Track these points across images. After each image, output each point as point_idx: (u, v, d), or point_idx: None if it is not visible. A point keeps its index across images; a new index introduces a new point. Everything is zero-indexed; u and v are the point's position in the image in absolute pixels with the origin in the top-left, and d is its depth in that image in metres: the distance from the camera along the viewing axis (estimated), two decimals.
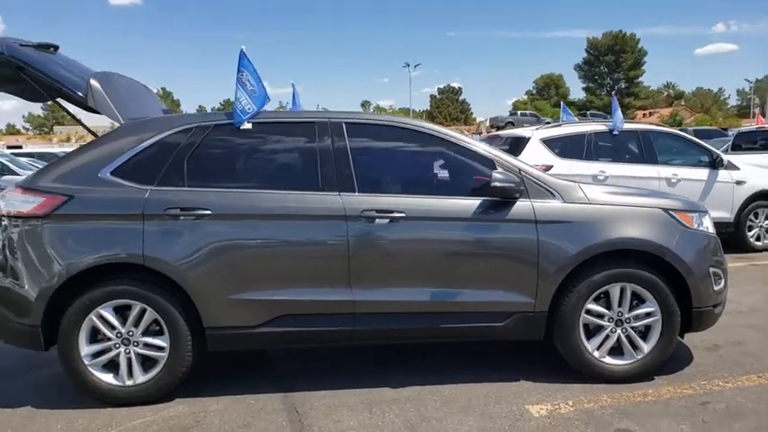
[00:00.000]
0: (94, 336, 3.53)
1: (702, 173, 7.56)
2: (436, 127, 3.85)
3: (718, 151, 7.91)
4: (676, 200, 4.00)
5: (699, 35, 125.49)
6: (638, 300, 3.68)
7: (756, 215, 7.81)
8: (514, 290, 3.59)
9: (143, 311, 3.49)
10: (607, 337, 3.68)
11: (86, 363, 3.49)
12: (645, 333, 3.71)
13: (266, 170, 3.74)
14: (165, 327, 3.50)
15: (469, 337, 3.74)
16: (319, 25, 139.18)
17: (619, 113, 7.50)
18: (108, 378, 3.53)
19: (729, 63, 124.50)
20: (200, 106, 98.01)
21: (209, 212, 3.48)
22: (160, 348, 3.52)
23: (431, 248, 3.59)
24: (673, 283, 3.66)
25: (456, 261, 3.60)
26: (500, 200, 3.59)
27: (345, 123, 3.72)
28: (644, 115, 74.08)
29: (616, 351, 3.71)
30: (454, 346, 4.33)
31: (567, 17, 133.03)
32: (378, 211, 3.53)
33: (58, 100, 4.08)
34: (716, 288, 3.76)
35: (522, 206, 3.60)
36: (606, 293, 3.65)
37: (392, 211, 3.53)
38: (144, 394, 3.53)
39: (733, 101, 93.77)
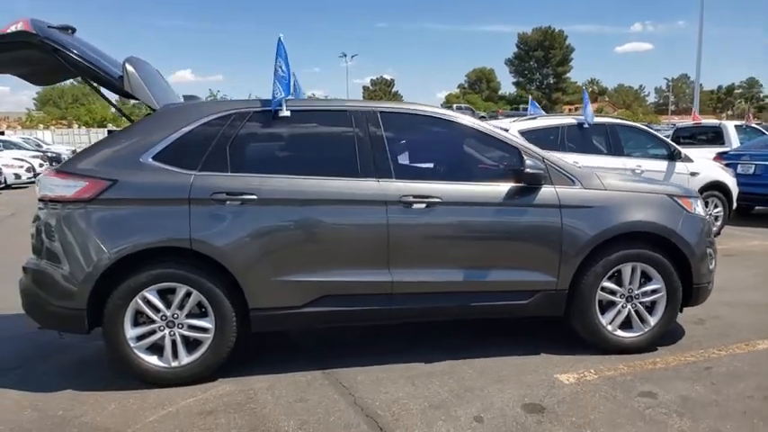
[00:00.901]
0: (138, 319, 3.57)
1: (662, 164, 8.16)
2: (464, 117, 4.08)
3: (675, 145, 8.54)
4: (677, 187, 4.41)
5: (618, 34, 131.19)
6: (645, 278, 4.05)
7: (707, 204, 8.49)
8: (539, 270, 3.88)
9: (188, 294, 3.55)
10: (619, 312, 4.03)
11: (132, 345, 3.53)
12: (651, 308, 4.08)
13: (305, 157, 3.86)
14: (210, 309, 3.58)
15: (497, 314, 4.00)
16: (247, 16, 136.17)
17: (589, 108, 7.97)
18: (153, 360, 3.58)
19: (645, 61, 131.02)
20: None
21: (254, 197, 3.57)
22: (204, 330, 3.59)
23: (464, 232, 3.83)
24: (675, 262, 4.05)
25: (486, 243, 3.86)
26: (526, 186, 3.86)
27: (380, 112, 3.89)
28: (570, 110, 77.02)
29: (625, 325, 4.07)
30: (473, 323, 4.58)
31: (497, 12, 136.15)
32: (415, 196, 3.73)
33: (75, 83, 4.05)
34: (710, 267, 4.19)
35: (546, 192, 3.89)
36: (619, 272, 4.00)
37: (429, 197, 3.74)
38: (188, 375, 3.60)
39: (651, 98, 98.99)
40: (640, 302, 4.05)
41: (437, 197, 3.75)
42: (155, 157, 3.60)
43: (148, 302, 3.53)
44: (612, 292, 4.01)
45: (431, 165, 4.07)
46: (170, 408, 3.32)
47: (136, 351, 3.55)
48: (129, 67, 3.67)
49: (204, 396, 3.47)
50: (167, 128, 3.67)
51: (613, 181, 4.11)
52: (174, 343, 3.58)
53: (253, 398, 3.45)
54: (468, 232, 3.83)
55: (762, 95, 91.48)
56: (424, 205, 3.74)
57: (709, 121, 16.68)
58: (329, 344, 4.34)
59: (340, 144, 3.87)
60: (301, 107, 3.86)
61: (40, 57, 3.70)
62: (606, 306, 4.04)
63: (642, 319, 4.07)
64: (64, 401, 3.43)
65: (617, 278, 4.02)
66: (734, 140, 12.11)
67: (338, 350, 4.18)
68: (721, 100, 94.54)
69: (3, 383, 3.70)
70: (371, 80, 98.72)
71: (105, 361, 4.05)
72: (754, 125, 13.79)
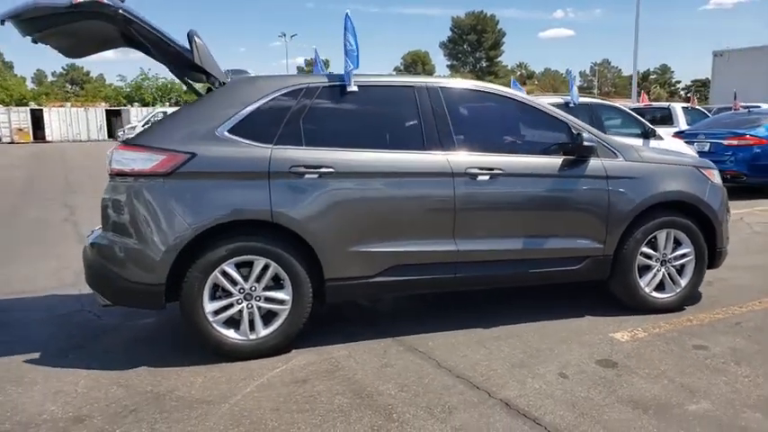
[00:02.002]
0: (214, 293, 3.56)
1: (638, 142, 8.66)
2: (518, 93, 4.26)
3: (648, 124, 9.08)
4: (700, 159, 4.78)
5: (543, 20, 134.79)
6: (676, 243, 4.39)
7: None
8: (589, 237, 4.14)
9: (266, 267, 3.58)
10: (654, 275, 4.36)
11: (210, 319, 3.53)
12: (680, 271, 4.43)
13: (375, 131, 3.94)
14: (287, 280, 3.62)
15: (551, 279, 4.24)
16: None
17: (575, 89, 8.35)
18: (230, 333, 3.59)
19: (568, 47, 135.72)
20: (38, 69, 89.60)
21: (332, 170, 3.63)
22: (281, 302, 3.63)
23: (523, 202, 4.03)
24: (701, 227, 4.41)
25: (543, 213, 4.08)
26: (578, 158, 4.10)
27: (440, 88, 4.01)
28: None
29: (659, 287, 4.41)
30: (515, 291, 4.80)
31: None
32: (480, 168, 3.89)
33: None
34: (727, 233, 4.59)
35: (594, 164, 4.14)
36: (655, 238, 4.32)
37: (492, 169, 3.91)
38: (266, 347, 3.63)
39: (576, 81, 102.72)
40: (672, 266, 4.39)
41: (499, 168, 3.92)
42: (230, 131, 3.58)
43: (227, 276, 3.53)
44: (649, 257, 4.33)
45: (490, 138, 4.22)
46: (260, 379, 3.36)
47: (214, 325, 3.54)
48: (198, 40, 3.61)
49: (288, 366, 3.52)
50: (240, 101, 3.65)
51: (649, 153, 4.42)
52: (251, 315, 3.61)
53: (338, 365, 3.53)
54: (527, 202, 4.03)
55: (673, 81, 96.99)
56: (487, 177, 3.90)
57: (659, 103, 17.68)
58: (390, 313, 4.45)
59: (406, 118, 3.95)
60: (369, 82, 3.92)
61: (98, 28, 3.57)
62: (643, 270, 4.35)
63: (674, 281, 4.41)
64: (146, 377, 3.40)
65: (653, 244, 4.33)
66: (682, 121, 12.95)
67: (400, 319, 4.31)
68: (639, 85, 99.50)
69: (70, 363, 3.61)
70: (306, 60, 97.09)
71: (159, 338, 4.03)
72: (697, 107, 14.76)
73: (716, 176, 4.58)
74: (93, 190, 10.17)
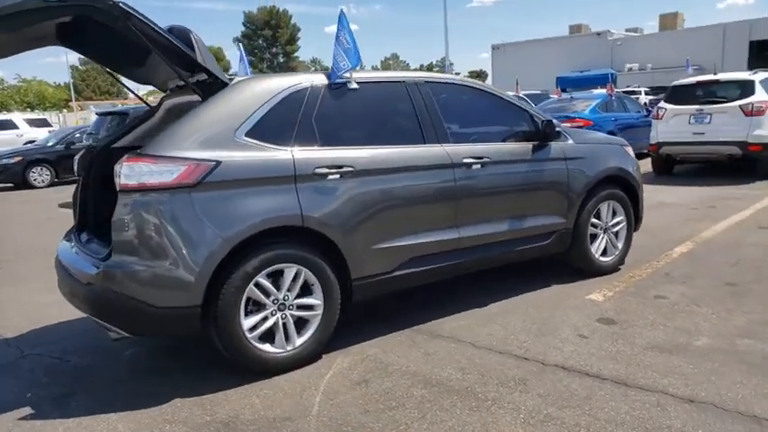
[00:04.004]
0: (247, 307, 3.36)
1: None
2: (487, 85, 4.57)
3: None
4: (618, 138, 5.53)
5: (328, 14, 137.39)
6: (613, 213, 5.08)
7: None
8: (556, 214, 4.62)
9: (297, 274, 3.46)
10: (600, 242, 5.00)
11: (248, 336, 3.33)
12: (616, 235, 5.13)
13: (380, 127, 3.97)
14: (318, 285, 3.53)
15: (529, 256, 4.63)
16: None
17: None
18: (267, 347, 3.42)
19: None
20: None
21: (352, 169, 3.61)
22: (312, 307, 3.54)
23: (507, 186, 4.36)
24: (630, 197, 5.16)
25: (523, 195, 4.45)
26: (542, 143, 4.54)
27: (426, 81, 4.17)
28: None
29: (603, 252, 5.05)
30: (476, 273, 5.09)
31: None
32: (473, 157, 4.13)
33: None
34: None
35: (555, 147, 4.62)
36: (598, 210, 4.95)
37: (482, 157, 4.18)
38: (303, 356, 3.52)
39: None
40: (612, 232, 5.07)
41: (487, 157, 4.21)
42: (248, 134, 3.38)
43: (260, 288, 3.36)
44: (595, 226, 4.95)
45: (474, 128, 4.46)
46: (319, 388, 3.26)
47: (252, 341, 3.34)
48: (197, 37, 3.34)
49: (335, 371, 3.45)
50: (252, 103, 3.45)
51: (588, 135, 5.05)
52: (285, 326, 3.46)
53: (382, 362, 3.55)
54: (510, 186, 4.37)
55: (455, 73, 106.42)
56: (479, 165, 4.16)
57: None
58: (388, 306, 4.44)
59: (404, 113, 4.03)
60: (364, 78, 3.92)
61: (40, 24, 3.16)
62: (591, 239, 4.96)
63: (614, 246, 5.10)
64: (191, 409, 3.10)
65: (597, 214, 4.95)
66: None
67: (400, 310, 4.35)
68: None
69: (84, 411, 3.14)
70: (81, 59, 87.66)
71: (164, 367, 3.69)
72: (520, 94, 16.52)
73: (631, 152, 5.36)
74: None
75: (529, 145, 4.50)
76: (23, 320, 4.71)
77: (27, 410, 3.20)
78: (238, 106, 3.42)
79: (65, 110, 49.02)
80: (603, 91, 14.60)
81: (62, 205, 11.62)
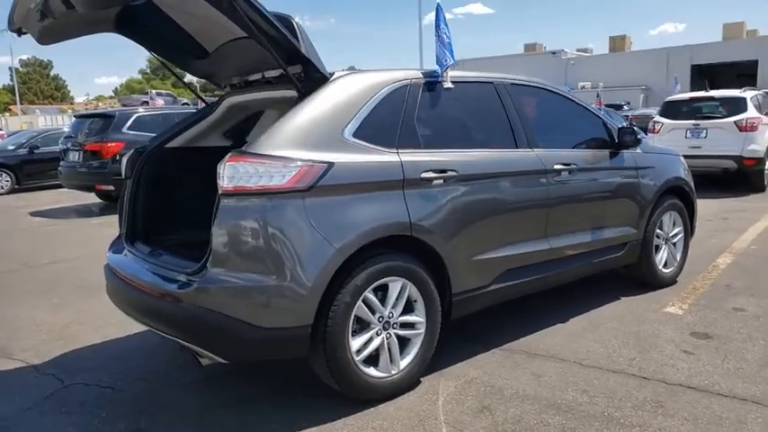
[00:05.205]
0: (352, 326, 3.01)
1: None
2: (562, 90, 4.38)
3: None
4: (673, 149, 5.43)
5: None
6: (673, 223, 4.95)
7: None
8: (629, 224, 4.45)
9: (403, 288, 3.14)
10: (663, 253, 4.86)
11: (356, 359, 2.97)
12: (675, 246, 5.00)
13: (474, 129, 3.71)
14: (420, 301, 3.22)
15: (605, 267, 4.43)
16: None
17: None
18: (372, 372, 3.06)
19: None
20: None
21: (455, 173, 3.32)
22: (415, 325, 3.22)
23: (590, 195, 4.17)
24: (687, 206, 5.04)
25: (603, 204, 4.27)
26: (616, 150, 4.37)
27: (512, 84, 3.93)
28: None
29: (664, 263, 4.91)
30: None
31: None
32: (562, 163, 3.91)
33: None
34: None
35: (627, 155, 4.45)
36: (662, 221, 4.80)
37: (569, 164, 3.96)
38: (407, 380, 3.19)
39: None
40: (672, 243, 4.94)
41: (574, 164, 3.99)
42: (355, 135, 3.04)
43: (368, 304, 3.02)
44: (658, 237, 4.81)
45: (559, 133, 4.22)
46: (436, 417, 2.93)
47: (360, 365, 2.99)
48: (300, 26, 2.99)
49: (446, 398, 3.12)
50: (355, 100, 3.12)
51: (653, 144, 4.91)
52: (389, 347, 3.12)
53: (494, 384, 3.25)
54: (593, 195, 4.18)
55: None
56: (567, 172, 3.94)
57: None
58: (464, 326, 4.12)
59: (496, 115, 3.76)
60: (458, 77, 3.64)
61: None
62: (655, 249, 4.80)
63: (674, 257, 4.97)
64: None
65: (660, 225, 4.81)
66: None
67: (480, 328, 4.04)
68: None
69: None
70: (21, 60, 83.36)
71: (261, 388, 3.28)
72: None
73: (685, 163, 5.27)
74: None
75: (606, 152, 4.31)
76: (44, 344, 4.18)
77: None
78: (343, 103, 3.08)
79: (7, 113, 46.51)
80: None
81: (34, 214, 10.82)
